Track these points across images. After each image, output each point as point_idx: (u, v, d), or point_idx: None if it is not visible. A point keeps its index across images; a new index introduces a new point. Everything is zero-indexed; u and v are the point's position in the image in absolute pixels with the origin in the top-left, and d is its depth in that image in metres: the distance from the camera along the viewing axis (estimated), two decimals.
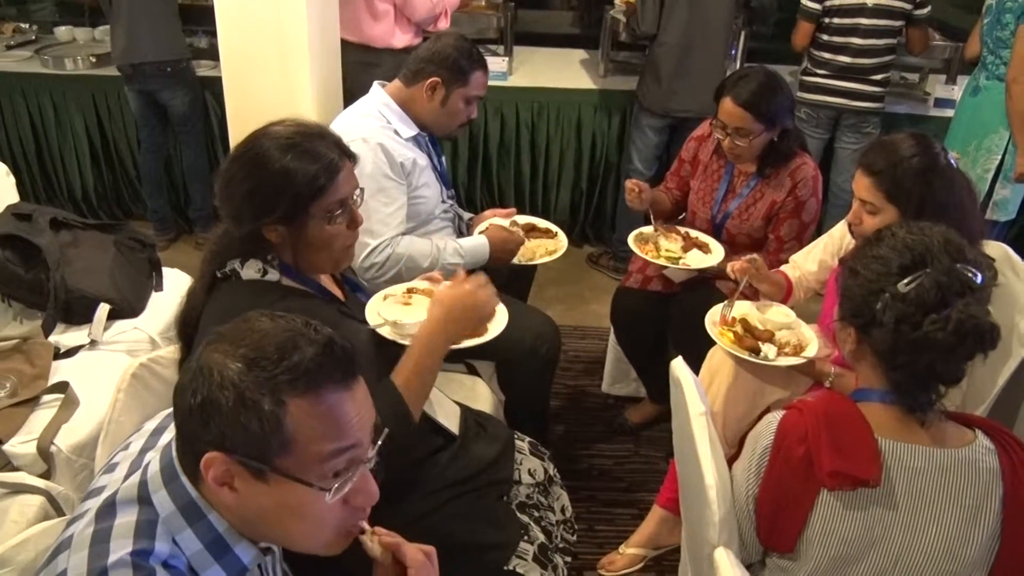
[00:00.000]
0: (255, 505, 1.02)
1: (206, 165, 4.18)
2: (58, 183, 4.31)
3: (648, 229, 2.73)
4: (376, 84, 2.47)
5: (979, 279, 1.32)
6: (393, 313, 1.80)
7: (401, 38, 3.59)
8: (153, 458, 1.08)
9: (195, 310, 1.58)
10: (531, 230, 2.67)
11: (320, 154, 1.56)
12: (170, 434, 1.13)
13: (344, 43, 3.50)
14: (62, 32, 4.55)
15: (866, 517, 1.36)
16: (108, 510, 1.03)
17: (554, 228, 2.71)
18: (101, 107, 4.15)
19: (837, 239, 2.37)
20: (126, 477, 1.08)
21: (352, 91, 3.36)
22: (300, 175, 1.53)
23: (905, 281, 1.32)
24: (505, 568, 1.71)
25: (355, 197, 1.65)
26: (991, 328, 1.31)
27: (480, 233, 2.51)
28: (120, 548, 0.98)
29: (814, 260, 2.41)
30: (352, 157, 1.64)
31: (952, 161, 1.98)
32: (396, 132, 2.37)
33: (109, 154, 4.28)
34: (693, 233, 2.70)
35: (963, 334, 1.28)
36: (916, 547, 1.35)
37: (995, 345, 1.31)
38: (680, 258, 2.61)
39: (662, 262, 2.61)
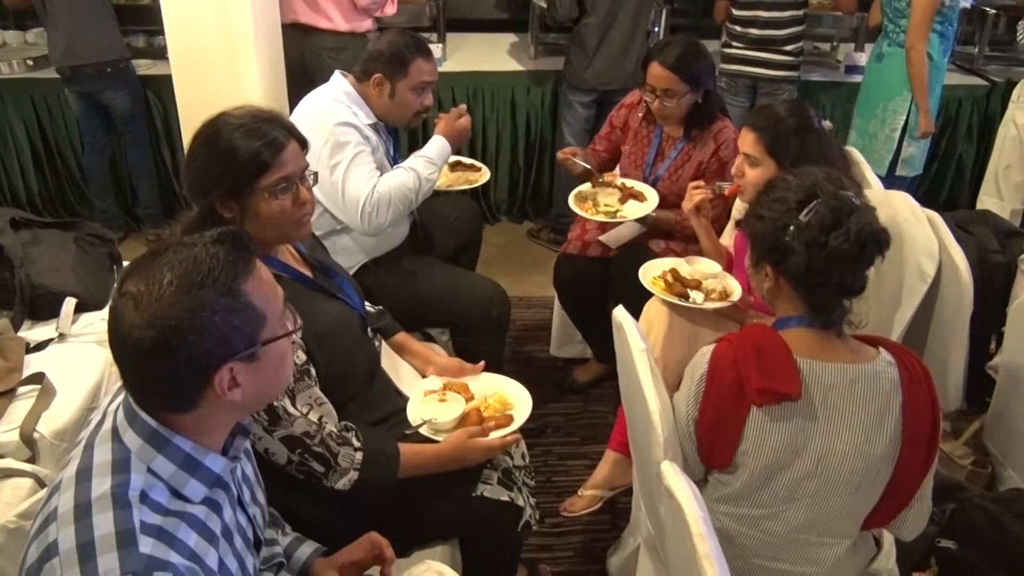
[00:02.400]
0: (256, 384, 1.17)
1: (151, 162, 4.24)
2: (0, 188, 4.32)
3: (586, 187, 2.91)
4: (336, 73, 2.59)
5: (857, 201, 1.56)
6: (429, 411, 1.94)
7: (365, 23, 3.73)
8: (117, 404, 1.20)
9: None
10: (456, 165, 2.82)
11: (265, 133, 1.67)
12: None
13: (308, 29, 3.62)
14: None
15: (791, 428, 1.56)
16: (87, 454, 1.15)
17: (479, 163, 2.91)
18: (41, 110, 4.16)
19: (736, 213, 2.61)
20: (99, 425, 1.20)
21: (314, 76, 3.47)
22: (244, 150, 1.65)
23: (804, 212, 1.54)
24: (472, 495, 1.87)
25: (305, 176, 1.76)
26: (883, 231, 1.55)
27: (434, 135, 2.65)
28: (101, 484, 1.10)
29: (728, 235, 2.64)
30: (302, 140, 1.76)
31: (823, 126, 2.24)
32: (355, 115, 2.50)
33: (52, 157, 4.30)
34: (629, 183, 2.88)
35: (863, 240, 1.51)
36: (833, 450, 1.56)
37: (888, 246, 1.55)
38: (617, 211, 2.79)
39: (601, 218, 2.79)
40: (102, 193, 4.25)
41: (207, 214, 1.69)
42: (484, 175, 2.87)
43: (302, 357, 1.70)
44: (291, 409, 1.65)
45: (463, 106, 2.74)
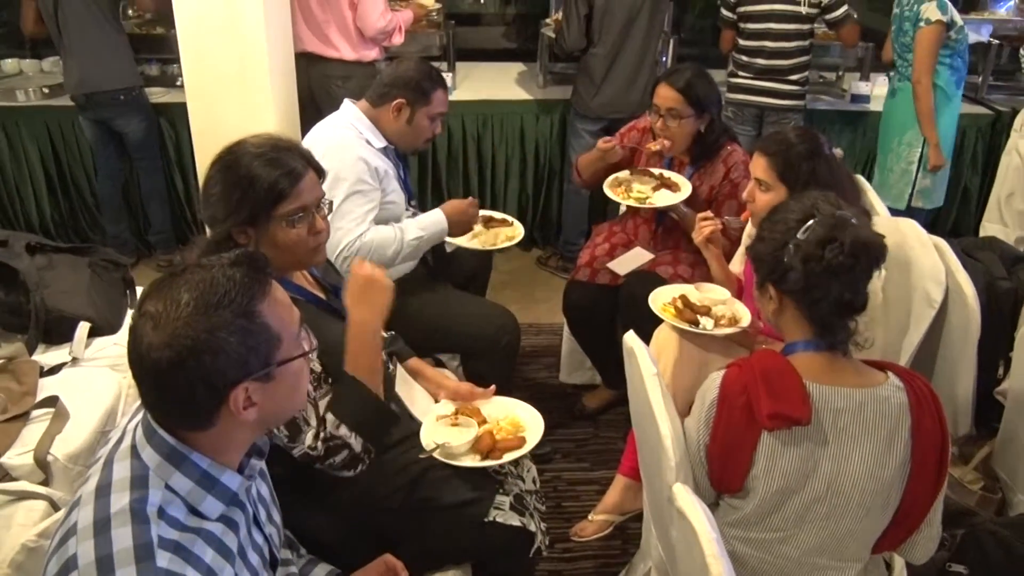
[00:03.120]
0: (271, 404, 1.20)
1: (163, 188, 4.29)
2: (14, 213, 4.35)
3: (624, 173, 2.96)
4: (347, 101, 2.64)
5: (852, 218, 1.60)
6: (442, 436, 1.96)
7: (371, 52, 3.80)
8: (136, 422, 1.22)
9: None
10: (489, 221, 2.87)
11: (283, 162, 1.71)
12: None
13: (315, 58, 3.69)
14: (9, 65, 4.61)
15: (801, 452, 1.57)
16: (107, 470, 1.17)
17: (510, 218, 2.93)
18: (56, 137, 4.21)
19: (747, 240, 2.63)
20: (118, 443, 1.22)
21: (321, 104, 3.53)
22: (263, 180, 1.69)
23: (802, 230, 1.58)
24: (485, 520, 1.88)
25: (321, 206, 1.80)
26: (877, 243, 1.57)
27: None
28: (120, 499, 1.12)
29: (739, 261, 2.66)
30: (319, 170, 1.80)
31: (834, 153, 2.27)
32: (368, 142, 2.55)
33: (65, 183, 4.35)
34: (667, 174, 2.92)
35: (857, 252, 1.54)
36: (844, 473, 1.57)
37: (884, 258, 1.58)
38: (648, 197, 2.83)
39: (631, 202, 2.84)
40: (114, 219, 4.30)
41: (223, 240, 1.72)
42: (519, 229, 2.91)
43: (318, 368, 1.74)
44: (311, 419, 1.68)
45: (476, 202, 2.76)
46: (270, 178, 1.69)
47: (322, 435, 1.68)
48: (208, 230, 1.78)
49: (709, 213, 2.53)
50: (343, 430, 1.69)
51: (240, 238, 1.72)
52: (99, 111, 3.99)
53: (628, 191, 2.88)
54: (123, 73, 3.95)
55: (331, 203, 1.86)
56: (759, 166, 2.25)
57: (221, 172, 1.72)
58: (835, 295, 1.56)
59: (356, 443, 1.70)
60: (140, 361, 1.12)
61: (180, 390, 1.12)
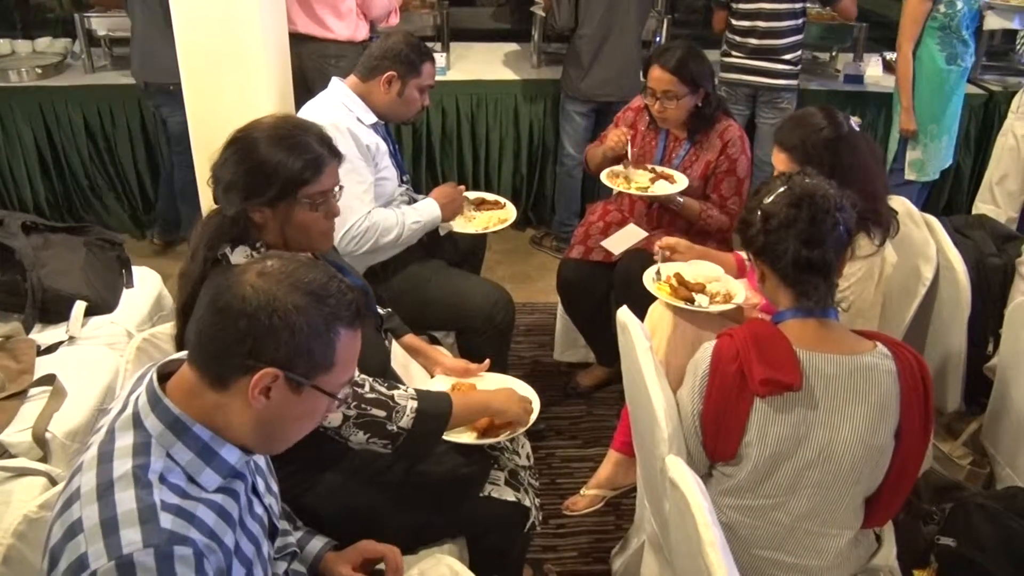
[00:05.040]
0: (278, 411, 1.21)
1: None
2: (7, 195, 4.32)
3: (618, 167, 2.98)
4: (335, 79, 2.65)
5: (808, 180, 1.65)
6: None
7: (363, 31, 3.80)
8: (139, 392, 1.24)
9: (192, 295, 1.71)
10: (481, 203, 2.90)
11: (311, 148, 1.75)
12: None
13: (306, 39, 3.68)
14: (0, 45, 4.58)
15: (793, 418, 1.61)
16: (108, 438, 1.19)
17: (502, 199, 2.98)
18: (49, 118, 4.18)
19: None
20: (119, 413, 1.23)
21: (313, 84, 3.53)
22: (287, 165, 1.71)
23: (770, 196, 1.64)
24: (481, 495, 1.91)
25: (335, 192, 1.83)
26: (821, 191, 1.61)
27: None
28: (122, 465, 1.15)
29: None
30: (339, 156, 1.83)
31: (855, 127, 2.24)
32: (359, 119, 2.56)
33: (59, 164, 4.31)
34: (659, 168, 2.95)
35: (798, 200, 1.60)
36: (835, 439, 1.60)
37: (828, 208, 1.60)
38: (648, 188, 2.87)
39: (634, 191, 2.86)
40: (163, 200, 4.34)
41: (239, 219, 1.74)
42: (511, 211, 2.95)
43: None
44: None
45: (463, 186, 2.83)
46: (295, 165, 1.72)
47: (376, 387, 1.72)
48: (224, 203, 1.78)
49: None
50: (410, 403, 1.73)
51: (256, 216, 1.75)
52: (153, 98, 4.00)
53: (627, 181, 2.90)
54: (175, 66, 3.90)
55: (342, 188, 1.88)
56: (780, 160, 2.24)
57: (239, 154, 1.73)
58: (793, 250, 1.60)
59: (400, 418, 1.71)
60: (227, 289, 1.17)
61: (232, 333, 1.16)
